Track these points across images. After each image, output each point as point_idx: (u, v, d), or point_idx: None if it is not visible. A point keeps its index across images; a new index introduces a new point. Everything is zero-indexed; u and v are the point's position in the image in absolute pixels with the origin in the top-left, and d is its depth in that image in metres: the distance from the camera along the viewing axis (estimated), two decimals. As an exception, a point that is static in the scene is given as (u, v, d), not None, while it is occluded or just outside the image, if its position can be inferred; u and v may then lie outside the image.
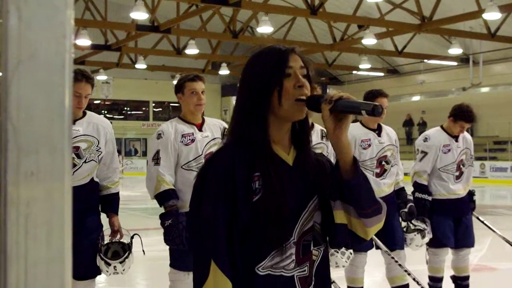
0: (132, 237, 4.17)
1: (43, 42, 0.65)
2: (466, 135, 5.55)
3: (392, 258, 4.92)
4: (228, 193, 1.69)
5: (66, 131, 0.65)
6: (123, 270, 4.03)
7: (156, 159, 4.07)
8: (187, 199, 4.02)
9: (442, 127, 5.51)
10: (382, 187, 4.96)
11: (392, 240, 4.96)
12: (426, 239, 5.18)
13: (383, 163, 4.99)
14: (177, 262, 4.14)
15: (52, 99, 0.65)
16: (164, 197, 4.02)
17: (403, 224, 5.17)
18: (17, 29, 0.64)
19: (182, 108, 4.24)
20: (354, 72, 32.31)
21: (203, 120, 4.23)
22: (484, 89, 28.78)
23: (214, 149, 4.10)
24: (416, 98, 32.50)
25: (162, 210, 4.11)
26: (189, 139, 4.11)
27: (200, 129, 4.17)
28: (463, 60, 28.55)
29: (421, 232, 5.13)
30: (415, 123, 31.13)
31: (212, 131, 4.20)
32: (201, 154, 4.09)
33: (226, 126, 4.32)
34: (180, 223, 3.94)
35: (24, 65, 0.64)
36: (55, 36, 0.65)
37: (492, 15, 16.64)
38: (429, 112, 29.84)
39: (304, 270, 1.77)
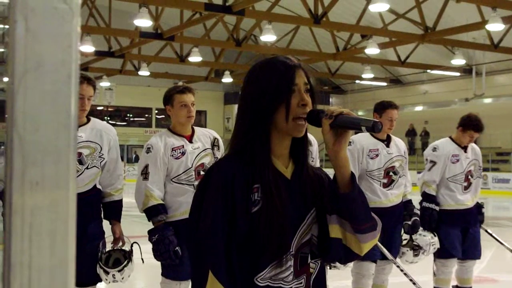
0: (131, 245, 4.17)
1: (50, 52, 0.66)
2: (475, 146, 5.56)
3: (398, 266, 4.93)
4: (227, 205, 1.70)
5: (71, 141, 0.66)
6: (122, 278, 4.03)
7: (145, 174, 4.04)
8: (178, 207, 4.04)
9: (451, 137, 5.52)
10: (390, 197, 4.96)
11: (387, 250, 4.94)
12: (419, 258, 5.17)
13: (391, 173, 4.98)
14: (169, 272, 4.12)
15: (58, 109, 0.65)
16: (152, 212, 4.02)
17: (405, 236, 5.16)
18: (24, 39, 0.65)
19: (171, 119, 4.20)
20: (357, 81, 32.36)
21: (193, 131, 4.20)
22: (487, 100, 28.78)
23: (205, 160, 4.09)
24: (419, 108, 32.51)
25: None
26: (179, 152, 4.08)
27: (190, 141, 4.14)
28: (466, 70, 28.56)
29: (416, 250, 5.12)
30: (417, 133, 31.13)
31: (203, 142, 4.17)
32: (191, 167, 4.07)
33: (217, 136, 4.31)
34: (166, 238, 3.92)
35: (30, 75, 0.65)
36: (61, 46, 0.66)
37: (495, 26, 16.65)
38: (432, 122, 29.84)
39: (301, 283, 1.77)
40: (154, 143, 4.09)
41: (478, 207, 5.57)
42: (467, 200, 5.43)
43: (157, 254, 3.98)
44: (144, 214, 4.08)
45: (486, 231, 5.71)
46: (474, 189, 5.50)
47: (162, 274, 4.18)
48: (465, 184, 5.43)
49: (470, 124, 5.31)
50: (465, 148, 5.44)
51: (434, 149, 5.48)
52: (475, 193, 5.52)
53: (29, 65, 0.65)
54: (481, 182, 5.66)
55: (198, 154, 4.11)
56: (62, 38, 0.66)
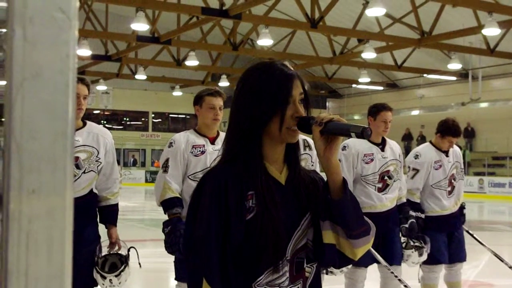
0: (128, 250, 4.16)
1: (48, 61, 0.66)
2: (455, 148, 5.53)
3: (392, 273, 4.91)
4: (221, 212, 1.70)
5: (68, 149, 0.66)
6: (119, 283, 4.02)
7: (165, 167, 4.17)
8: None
9: (431, 142, 5.50)
10: (384, 201, 4.95)
11: (391, 255, 4.94)
12: (424, 257, 5.17)
13: (386, 178, 4.97)
14: (182, 275, 4.16)
15: (55, 118, 0.66)
16: (168, 204, 4.10)
17: (403, 239, 5.15)
18: (22, 48, 0.65)
19: (198, 120, 4.30)
20: (354, 85, 32.39)
21: (218, 134, 4.29)
22: (483, 105, 28.86)
23: None
24: (415, 112, 32.57)
25: (160, 220, 4.15)
26: (199, 151, 4.18)
27: (212, 143, 4.23)
28: (462, 75, 28.64)
29: (419, 249, 5.11)
30: (414, 138, 31.17)
31: None
32: (209, 167, 4.11)
33: None
34: (178, 231, 3.99)
35: (28, 84, 0.65)
36: (59, 55, 0.67)
37: (492, 31, 16.73)
38: (428, 126, 29.80)
39: (298, 287, 1.78)
40: (177, 138, 4.24)
41: (460, 208, 5.57)
42: (451, 205, 5.42)
43: (167, 245, 4.06)
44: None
45: (468, 232, 5.71)
46: (457, 193, 5.49)
47: (176, 278, 4.25)
48: (449, 189, 5.42)
49: (448, 130, 5.28)
50: (446, 152, 5.43)
51: (416, 156, 5.42)
52: (458, 196, 5.51)
53: (27, 74, 0.65)
54: (463, 184, 5.65)
55: (218, 156, 4.15)
56: (60, 47, 0.67)
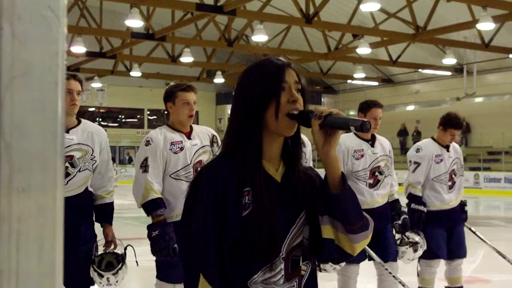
0: (125, 248, 4.15)
1: (37, 59, 0.66)
2: (455, 145, 5.60)
3: (386, 269, 4.91)
4: (218, 208, 1.70)
5: (58, 148, 0.66)
6: (116, 281, 4.01)
7: (145, 167, 4.01)
8: (174, 208, 4.02)
9: (433, 138, 5.55)
10: (376, 197, 4.96)
11: (385, 251, 4.95)
12: (419, 253, 5.18)
13: (376, 173, 4.98)
14: (163, 274, 4.10)
15: (45, 116, 0.66)
16: (152, 206, 3.96)
17: (397, 236, 5.16)
18: (11, 46, 0.65)
19: (170, 116, 4.19)
20: (349, 81, 32.43)
21: (191, 128, 4.20)
22: (478, 99, 28.91)
23: (203, 157, 4.08)
24: (410, 107, 32.60)
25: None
26: (178, 147, 4.06)
27: (188, 137, 4.13)
28: (457, 70, 28.66)
29: (414, 245, 5.13)
30: (409, 133, 31.21)
31: (201, 139, 4.17)
32: (190, 163, 4.06)
33: (215, 133, 4.30)
34: (167, 234, 3.88)
35: (17, 82, 0.65)
36: (48, 54, 0.66)
37: (486, 25, 16.74)
38: (424, 121, 29.91)
39: (293, 286, 1.77)
40: (154, 136, 4.07)
41: (461, 205, 5.59)
42: (451, 200, 5.45)
43: (155, 249, 3.92)
44: (144, 215, 4.04)
45: (470, 229, 5.72)
46: (458, 188, 5.53)
47: (157, 277, 4.16)
48: (450, 183, 5.45)
49: (450, 122, 5.34)
50: (447, 147, 5.47)
51: (418, 150, 5.48)
52: (459, 192, 5.54)
53: (16, 72, 0.65)
54: (463, 180, 5.69)
55: (197, 151, 4.11)
56: (49, 45, 0.66)
